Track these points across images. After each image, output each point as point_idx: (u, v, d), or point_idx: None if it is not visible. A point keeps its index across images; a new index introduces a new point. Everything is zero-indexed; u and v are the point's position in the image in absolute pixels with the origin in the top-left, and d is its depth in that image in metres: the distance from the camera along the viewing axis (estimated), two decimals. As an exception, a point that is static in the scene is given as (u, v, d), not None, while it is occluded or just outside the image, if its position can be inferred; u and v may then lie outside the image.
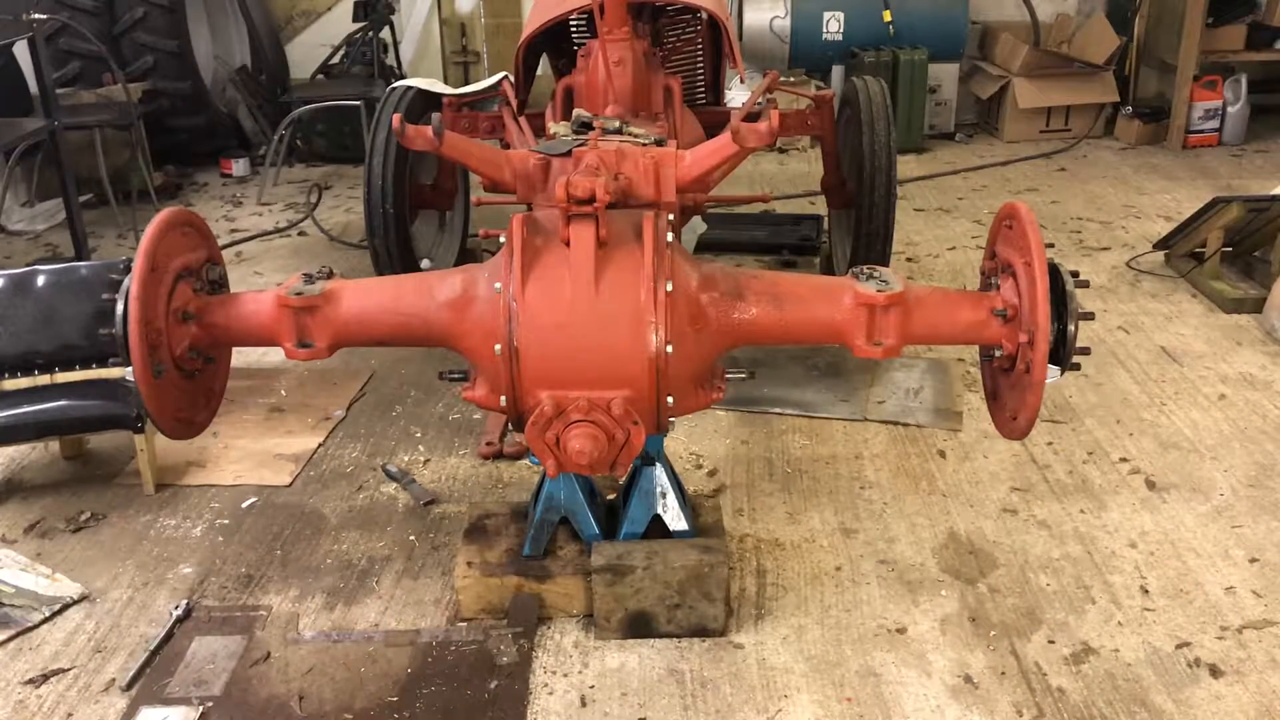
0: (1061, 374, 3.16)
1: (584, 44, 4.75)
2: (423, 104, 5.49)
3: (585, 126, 3.61)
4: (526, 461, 4.49)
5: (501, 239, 3.08)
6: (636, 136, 3.52)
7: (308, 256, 6.92)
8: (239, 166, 8.62)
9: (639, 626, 3.47)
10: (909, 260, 6.57)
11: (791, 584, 3.74)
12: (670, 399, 3.03)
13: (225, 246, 6.83)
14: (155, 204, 7.54)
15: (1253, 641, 3.46)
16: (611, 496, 3.82)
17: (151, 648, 3.46)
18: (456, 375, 3.31)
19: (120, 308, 3.02)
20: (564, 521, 3.60)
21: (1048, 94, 9.04)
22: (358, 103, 8.04)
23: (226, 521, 4.17)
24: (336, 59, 9.14)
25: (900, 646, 3.46)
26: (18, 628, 3.60)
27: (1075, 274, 3.08)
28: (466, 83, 8.61)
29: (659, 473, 3.55)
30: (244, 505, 4.26)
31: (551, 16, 4.85)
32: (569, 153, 3.37)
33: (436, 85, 5.70)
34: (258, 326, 3.22)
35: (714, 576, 3.42)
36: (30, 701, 3.31)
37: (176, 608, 3.63)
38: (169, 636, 3.52)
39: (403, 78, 7.91)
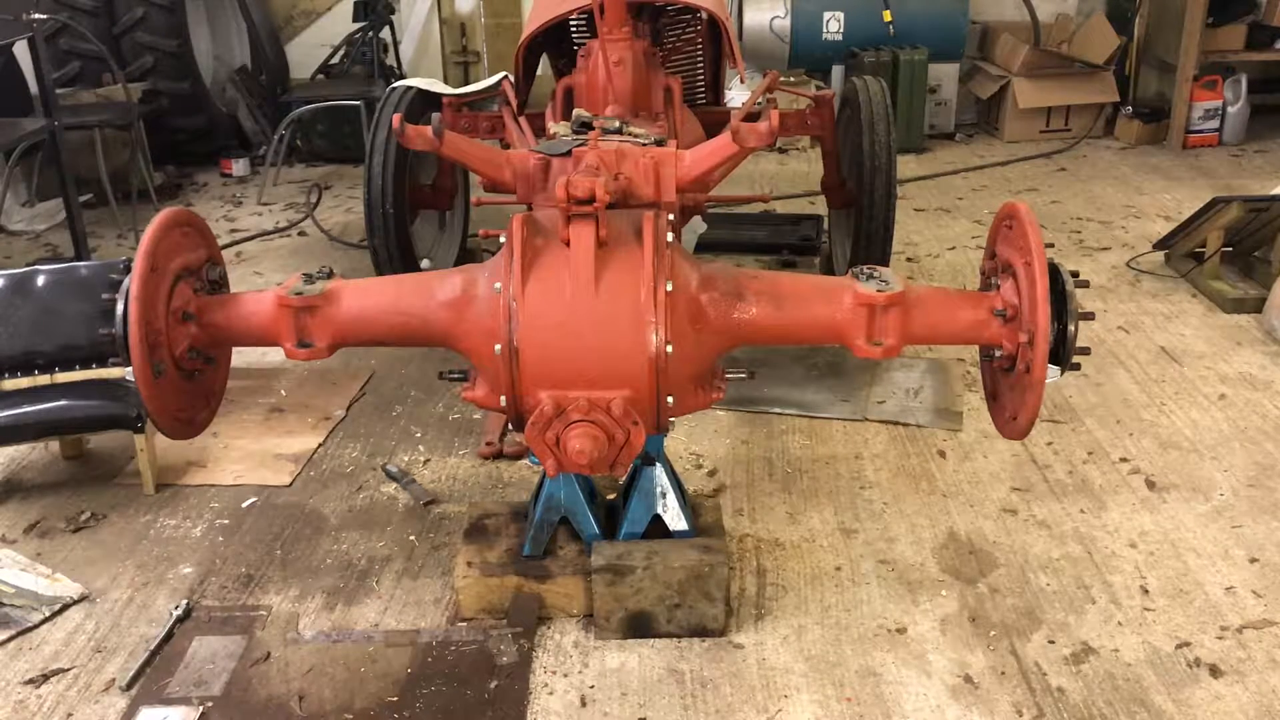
0: (1061, 374, 3.16)
1: (584, 44, 4.75)
2: (423, 104, 5.49)
3: (585, 126, 3.61)
4: (526, 461, 4.49)
5: (501, 239, 3.08)
6: (636, 136, 3.52)
7: (308, 256, 6.92)
8: (239, 166, 8.61)
9: (639, 626, 3.47)
10: (909, 260, 6.57)
11: (791, 584, 3.74)
12: (670, 399, 3.03)
13: (225, 246, 6.83)
14: (155, 204, 7.55)
15: (1253, 641, 3.46)
16: (611, 496, 3.82)
17: (151, 648, 3.46)
18: (456, 375, 3.31)
19: (120, 308, 3.02)
20: (564, 521, 3.60)
21: (1048, 94, 9.04)
22: (358, 103, 8.04)
23: (226, 521, 4.17)
24: (336, 59, 9.13)
25: (900, 646, 3.46)
26: (18, 628, 3.60)
27: (1075, 274, 3.08)
28: (466, 83, 8.61)
29: (659, 473, 3.55)
30: (244, 505, 4.26)
31: (551, 16, 4.85)
32: (569, 153, 3.37)
33: (436, 85, 5.70)
34: (258, 326, 3.22)
35: (714, 576, 3.42)
36: (30, 701, 3.31)
37: (176, 608, 3.63)
38: (169, 636, 3.52)
39: (403, 78, 7.91)
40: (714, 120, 5.03)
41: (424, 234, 5.91)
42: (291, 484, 4.40)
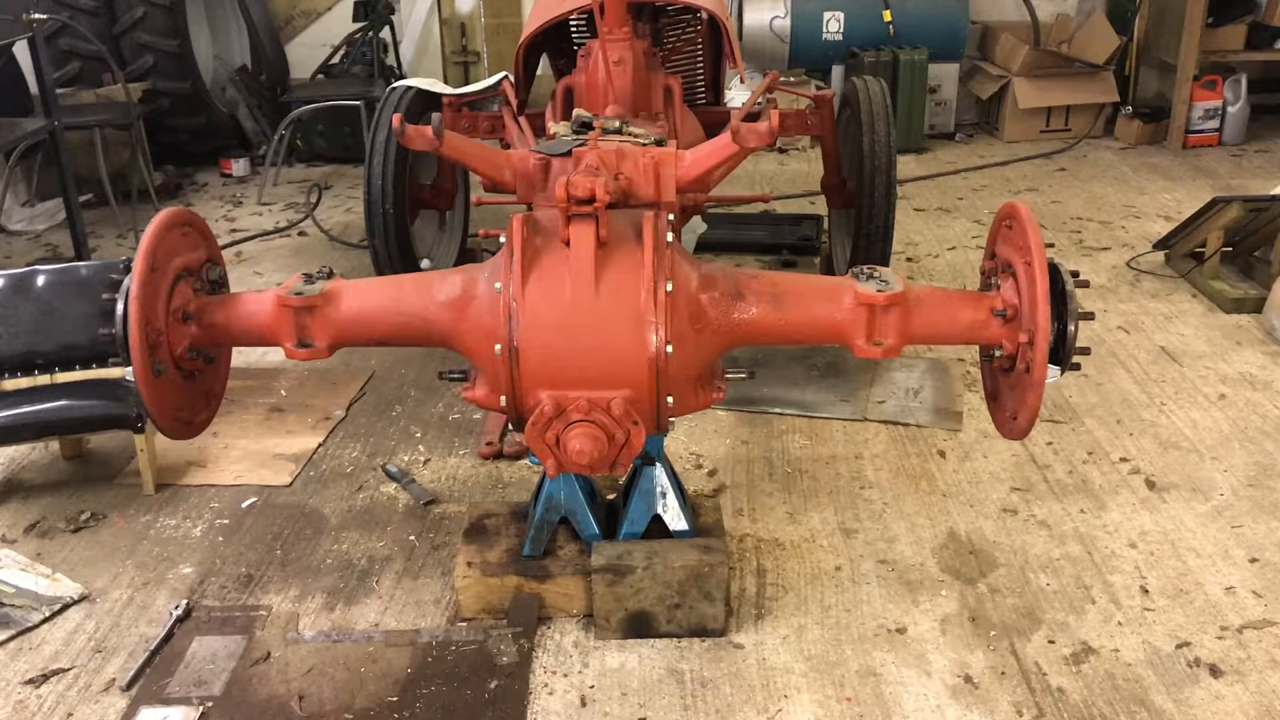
0: (1061, 374, 3.16)
1: (584, 44, 4.75)
2: (423, 104, 5.49)
3: (585, 126, 3.61)
4: (526, 461, 4.49)
5: (501, 239, 3.08)
6: (636, 136, 3.52)
7: (308, 256, 6.92)
8: (239, 166, 8.61)
9: (639, 626, 3.47)
10: (909, 260, 6.57)
11: (791, 584, 3.74)
12: (670, 399, 3.03)
13: (225, 246, 6.83)
14: (155, 204, 7.55)
15: (1253, 641, 3.46)
16: (611, 496, 3.82)
17: (151, 648, 3.46)
18: (456, 375, 3.31)
19: (120, 308, 3.02)
20: (564, 521, 3.60)
21: (1048, 94, 9.04)
22: (358, 103, 8.04)
23: (226, 521, 4.17)
24: (336, 59, 9.13)
25: (900, 646, 3.46)
26: (18, 628, 3.60)
27: (1075, 274, 3.08)
28: (466, 83, 8.61)
29: (659, 473, 3.55)
30: (244, 505, 4.26)
31: (551, 16, 4.85)
32: (569, 153, 3.37)
33: (436, 85, 5.70)
34: (258, 326, 3.22)
35: (714, 576, 3.42)
36: (30, 701, 3.31)
37: (176, 608, 3.63)
38: (169, 636, 3.52)
39: (403, 78, 7.91)
40: (714, 120, 5.04)
41: (424, 234, 5.91)
42: (291, 484, 4.40)
